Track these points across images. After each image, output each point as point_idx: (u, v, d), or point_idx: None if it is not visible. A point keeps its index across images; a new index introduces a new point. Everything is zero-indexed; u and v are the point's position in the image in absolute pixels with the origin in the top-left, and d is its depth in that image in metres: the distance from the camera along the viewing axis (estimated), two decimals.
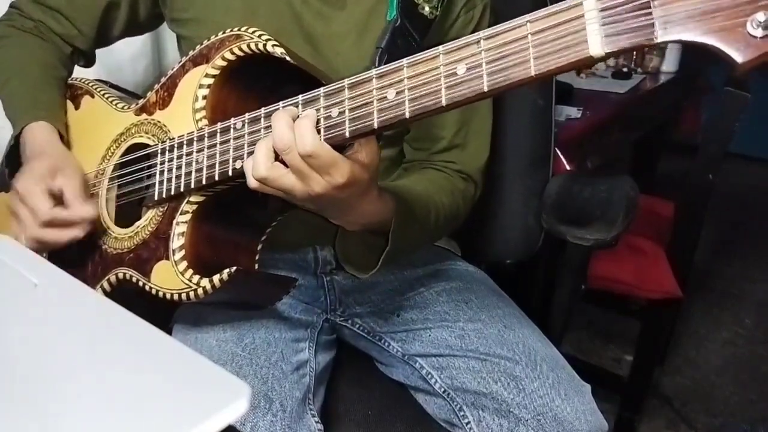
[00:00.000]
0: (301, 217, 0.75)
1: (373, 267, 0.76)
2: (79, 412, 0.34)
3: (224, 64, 0.73)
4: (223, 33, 0.74)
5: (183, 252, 0.72)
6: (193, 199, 0.74)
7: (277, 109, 0.64)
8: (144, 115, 0.82)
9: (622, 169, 2.32)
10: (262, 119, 0.66)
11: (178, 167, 0.74)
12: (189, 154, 0.73)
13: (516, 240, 1.15)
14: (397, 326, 0.91)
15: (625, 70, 1.98)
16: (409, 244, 0.80)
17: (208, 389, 0.35)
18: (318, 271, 0.94)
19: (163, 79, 0.80)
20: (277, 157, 0.62)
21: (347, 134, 0.59)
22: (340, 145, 0.62)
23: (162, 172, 0.76)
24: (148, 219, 0.77)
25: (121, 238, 0.80)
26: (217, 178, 0.69)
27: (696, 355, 2.02)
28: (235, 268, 0.68)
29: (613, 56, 0.50)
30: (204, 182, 0.70)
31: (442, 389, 0.85)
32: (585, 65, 0.54)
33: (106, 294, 0.80)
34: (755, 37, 0.45)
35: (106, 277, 0.79)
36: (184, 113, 0.75)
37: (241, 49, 0.72)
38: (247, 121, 0.67)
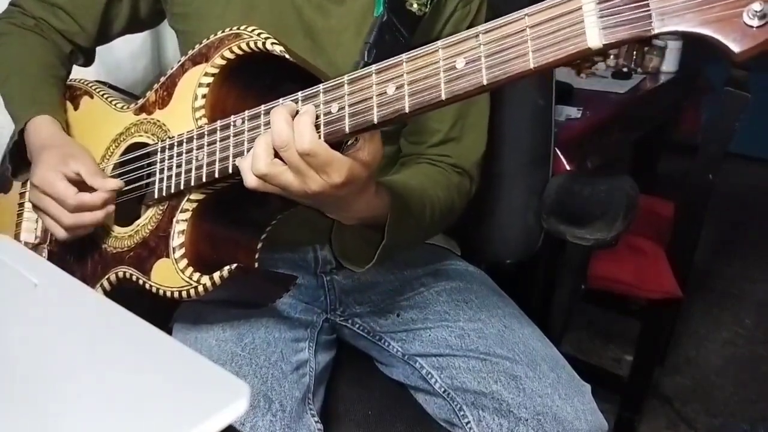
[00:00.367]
0: (301, 216, 0.75)
1: (369, 260, 0.76)
2: (79, 412, 0.34)
3: (223, 62, 0.73)
4: (222, 32, 0.74)
5: (183, 250, 0.72)
6: (193, 197, 0.74)
7: (277, 105, 0.64)
8: (143, 115, 0.82)
9: (622, 169, 2.32)
10: (262, 116, 0.66)
11: (178, 165, 0.74)
12: (189, 151, 0.73)
13: (516, 240, 1.15)
14: (397, 326, 0.91)
15: (625, 70, 1.98)
16: (405, 238, 0.81)
17: (208, 389, 0.35)
18: (318, 270, 0.94)
19: (162, 79, 0.81)
20: (276, 154, 0.62)
21: (347, 129, 0.60)
22: (343, 141, 0.62)
23: (162, 170, 0.76)
24: (148, 217, 0.77)
25: (121, 237, 0.80)
26: (217, 175, 0.69)
27: (696, 355, 2.02)
28: (235, 265, 0.68)
29: (612, 48, 0.50)
30: (204, 179, 0.70)
31: (442, 389, 0.85)
32: (583, 57, 0.54)
33: (106, 293, 0.80)
34: (751, 26, 0.45)
35: (106, 276, 0.80)
36: (183, 112, 0.75)
37: (240, 48, 0.72)
38: (246, 118, 0.67)
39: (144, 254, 0.76)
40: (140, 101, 0.83)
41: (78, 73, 0.97)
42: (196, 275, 0.70)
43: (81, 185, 0.76)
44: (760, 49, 0.45)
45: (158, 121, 0.80)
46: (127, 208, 0.81)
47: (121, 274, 0.78)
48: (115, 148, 0.84)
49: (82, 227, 0.77)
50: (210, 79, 0.74)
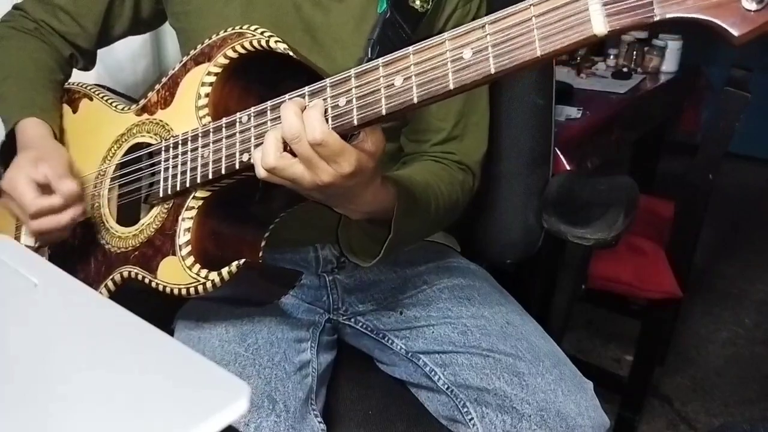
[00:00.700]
0: (301, 216, 0.75)
1: (375, 255, 0.76)
2: (79, 412, 0.34)
3: (226, 61, 0.73)
4: (225, 31, 0.74)
5: (190, 247, 0.72)
6: (198, 194, 0.74)
7: (284, 101, 0.65)
8: (145, 115, 0.82)
9: (622, 169, 2.32)
10: (269, 112, 0.66)
11: (183, 163, 0.74)
12: (194, 149, 0.73)
13: (516, 240, 1.14)
14: (400, 324, 0.91)
15: (625, 70, 1.98)
16: (411, 232, 0.81)
17: (208, 389, 0.35)
18: (319, 270, 0.94)
19: (164, 79, 0.80)
20: (285, 147, 0.62)
21: (355, 122, 0.60)
22: (346, 135, 0.62)
23: (167, 169, 0.76)
24: (153, 216, 0.77)
25: (125, 236, 0.80)
26: (223, 171, 0.69)
27: (696, 355, 2.02)
28: (243, 260, 0.68)
29: (616, 34, 0.51)
30: (210, 176, 0.71)
31: (446, 386, 0.85)
32: (589, 44, 0.57)
33: (111, 293, 0.80)
34: (750, 10, 0.46)
35: (111, 276, 0.79)
36: (186, 112, 0.75)
37: (243, 47, 0.72)
38: (252, 114, 0.67)
39: (150, 253, 0.76)
40: (141, 102, 0.83)
41: (78, 77, 0.97)
42: (204, 272, 0.70)
43: (49, 190, 0.75)
44: (759, 32, 0.46)
45: (161, 120, 0.80)
46: (129, 208, 0.81)
47: (126, 274, 0.78)
48: (117, 149, 0.84)
49: (47, 232, 0.76)
50: (213, 78, 0.74)
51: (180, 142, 0.75)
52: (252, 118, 0.67)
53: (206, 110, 0.74)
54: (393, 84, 0.58)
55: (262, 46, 0.70)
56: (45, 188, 0.74)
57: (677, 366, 1.95)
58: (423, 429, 0.88)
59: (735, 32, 0.47)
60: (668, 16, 0.48)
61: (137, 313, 0.41)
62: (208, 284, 0.69)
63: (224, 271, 0.68)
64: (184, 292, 0.71)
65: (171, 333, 0.89)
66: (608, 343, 2.04)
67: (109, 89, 0.95)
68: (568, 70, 1.97)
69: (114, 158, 0.84)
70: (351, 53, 0.81)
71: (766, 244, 2.70)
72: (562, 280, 1.25)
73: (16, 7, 0.94)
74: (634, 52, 2.04)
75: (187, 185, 0.73)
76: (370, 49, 0.77)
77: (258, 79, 0.74)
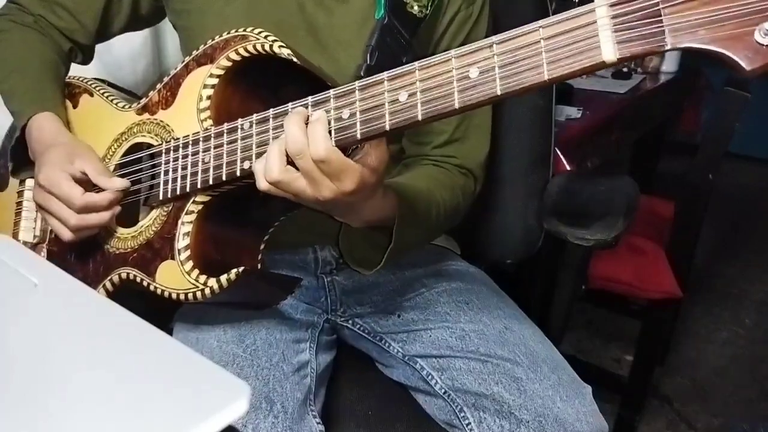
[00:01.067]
0: (301, 218, 0.75)
1: (376, 263, 0.76)
2: (79, 412, 0.34)
3: (229, 64, 0.73)
4: (228, 33, 0.74)
5: (189, 252, 0.72)
6: (198, 199, 0.74)
7: (286, 110, 0.64)
8: (146, 115, 0.81)
9: (622, 169, 2.32)
10: (271, 120, 0.66)
11: (184, 167, 0.73)
12: (195, 153, 0.73)
13: (516, 240, 1.14)
14: (398, 327, 0.91)
15: (625, 70, 1.97)
16: (412, 240, 0.81)
17: (208, 389, 0.35)
18: (318, 271, 0.94)
19: (165, 79, 0.80)
20: (288, 160, 0.62)
21: (358, 136, 0.60)
22: (348, 147, 0.62)
23: (167, 172, 0.75)
24: (152, 219, 0.77)
25: (124, 237, 0.80)
26: (224, 178, 0.69)
27: (696, 355, 2.02)
28: (242, 268, 0.68)
29: (625, 62, 0.51)
30: (211, 182, 0.70)
31: (443, 390, 0.85)
32: (597, 70, 0.56)
33: (109, 294, 0.80)
34: (762, 45, 0.46)
35: (109, 277, 0.79)
36: (188, 113, 0.75)
37: (246, 50, 0.72)
38: (255, 121, 0.67)
39: (148, 256, 0.76)
40: (143, 101, 0.83)
41: (77, 71, 0.96)
42: (203, 278, 0.70)
43: (86, 184, 0.76)
44: None
45: (162, 121, 0.79)
46: (129, 208, 0.81)
47: (124, 275, 0.78)
48: (117, 148, 0.83)
49: (87, 228, 0.77)
50: (215, 81, 0.74)
51: (181, 144, 0.75)
52: (254, 125, 0.67)
53: (208, 113, 0.73)
54: (397, 99, 0.57)
55: (265, 50, 0.70)
56: (82, 183, 0.76)
57: (677, 366, 1.95)
58: (422, 430, 0.88)
59: (746, 66, 0.46)
60: (680, 45, 0.48)
61: (137, 313, 0.41)
62: (207, 291, 0.69)
63: (223, 278, 0.68)
64: (182, 297, 0.71)
65: (169, 333, 0.89)
66: (608, 343, 2.04)
67: (109, 84, 0.95)
68: None
69: (114, 157, 0.83)
70: (354, 54, 0.81)
71: (766, 244, 2.70)
72: (562, 280, 1.25)
73: (12, 1, 0.93)
74: None
75: (188, 190, 0.73)
76: (368, 55, 0.77)
77: (260, 83, 0.74)
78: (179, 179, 0.74)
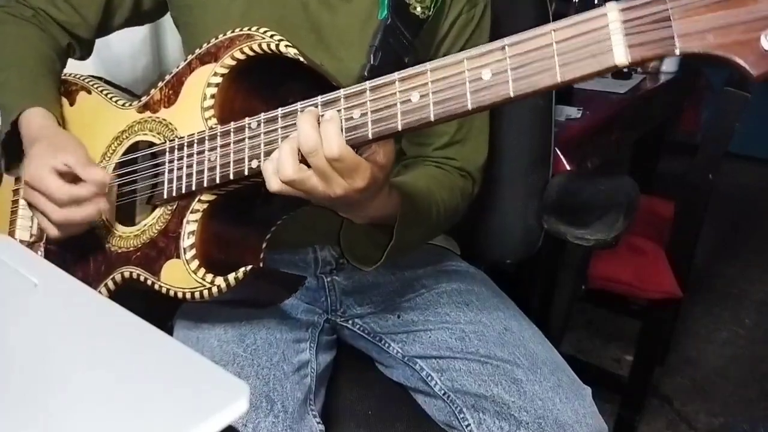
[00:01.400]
0: (301, 218, 0.75)
1: (376, 260, 0.76)
2: (79, 412, 0.34)
3: (233, 63, 0.73)
4: (233, 32, 0.74)
5: (194, 251, 0.72)
6: (204, 197, 0.73)
7: (295, 109, 0.64)
8: (148, 113, 0.81)
9: (622, 169, 2.32)
10: (279, 119, 0.66)
11: (189, 166, 0.73)
12: (200, 152, 0.72)
13: (516, 240, 1.14)
14: (398, 327, 0.91)
15: (625, 70, 1.97)
16: (412, 239, 0.81)
17: (208, 389, 0.35)
18: (318, 271, 0.94)
19: (167, 77, 0.80)
20: (300, 158, 0.62)
21: (370, 135, 0.60)
22: (359, 147, 0.62)
23: (171, 171, 0.75)
24: (156, 217, 0.77)
25: (126, 236, 0.79)
26: (231, 177, 0.69)
27: (696, 355, 2.02)
28: (250, 266, 0.68)
29: (636, 65, 0.52)
30: (218, 181, 0.70)
31: (442, 391, 0.85)
32: (608, 72, 0.58)
33: (110, 293, 0.79)
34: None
35: (111, 276, 0.79)
36: (191, 111, 0.75)
37: (252, 49, 0.71)
38: (263, 121, 0.67)
39: (152, 254, 0.76)
40: (144, 99, 0.82)
41: (76, 68, 0.95)
42: (209, 276, 0.70)
43: (72, 178, 0.74)
44: None
45: (164, 119, 0.79)
46: (127, 207, 0.81)
47: (127, 274, 0.77)
48: (118, 146, 0.83)
49: (73, 224, 0.75)
50: (219, 79, 0.74)
51: (186, 143, 0.74)
52: (262, 125, 0.67)
53: (212, 111, 0.73)
54: (409, 100, 0.58)
55: (271, 49, 0.70)
56: (67, 177, 0.74)
57: (677, 366, 1.95)
58: (422, 431, 0.88)
59: (753, 72, 0.48)
60: (688, 50, 0.49)
61: (137, 312, 0.41)
62: (214, 289, 0.69)
63: (231, 276, 0.68)
64: (188, 296, 0.71)
65: (169, 332, 0.89)
66: (608, 343, 2.04)
67: (106, 81, 0.94)
68: None
69: (114, 155, 0.83)
70: (356, 54, 0.81)
71: (766, 244, 2.70)
72: (562, 280, 1.25)
73: None
74: None
75: (193, 188, 0.72)
76: (372, 55, 0.77)
77: (263, 82, 0.73)
78: (185, 178, 0.73)
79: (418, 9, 0.81)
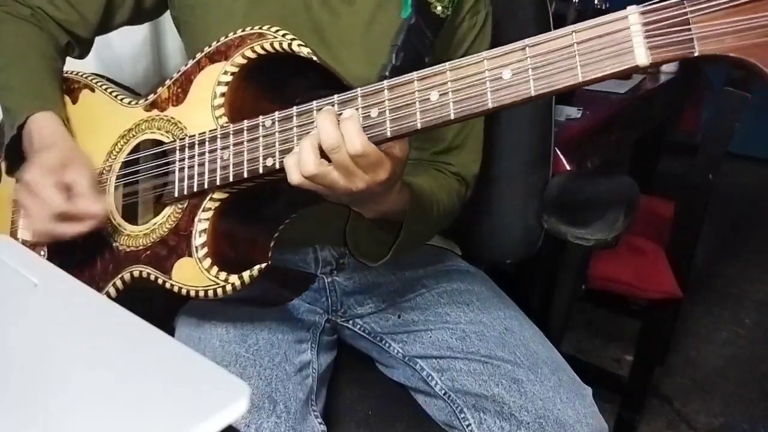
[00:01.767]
0: (302, 217, 0.75)
1: (382, 257, 0.77)
2: (79, 412, 0.34)
3: (244, 62, 0.73)
4: (243, 30, 0.73)
5: (206, 249, 0.71)
6: (216, 195, 0.73)
7: (310, 108, 0.65)
8: (155, 111, 0.80)
9: (622, 169, 2.32)
10: (294, 118, 0.66)
11: (201, 164, 0.73)
12: (213, 151, 0.72)
13: (516, 240, 1.14)
14: (398, 327, 0.91)
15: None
16: (416, 237, 0.81)
17: (208, 389, 0.35)
18: (318, 271, 0.94)
19: (175, 75, 0.79)
20: (321, 154, 0.62)
21: (389, 134, 0.61)
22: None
23: (183, 169, 0.75)
24: (166, 216, 0.76)
25: (134, 235, 0.78)
26: (246, 175, 0.69)
27: (696, 355, 2.02)
28: (265, 264, 0.68)
29: (657, 66, 0.53)
30: (231, 179, 0.70)
31: (443, 391, 0.85)
32: (629, 73, 0.60)
33: (119, 292, 0.78)
34: None
35: (119, 275, 0.78)
36: (201, 110, 0.75)
37: (263, 48, 0.71)
38: (277, 119, 0.67)
39: (163, 253, 0.75)
40: (150, 97, 0.82)
41: (76, 66, 0.94)
42: (223, 274, 0.69)
43: (69, 193, 0.74)
44: None
45: (173, 118, 0.78)
46: (133, 206, 0.80)
47: (136, 273, 0.76)
48: (124, 145, 0.82)
49: (53, 237, 0.75)
50: (230, 78, 0.73)
51: (197, 142, 0.74)
52: (276, 123, 0.67)
53: (222, 110, 0.73)
54: (429, 99, 0.59)
55: (283, 48, 0.70)
56: (67, 192, 0.74)
57: (677, 366, 1.95)
58: (423, 431, 0.88)
59: None
60: (707, 53, 0.51)
61: (137, 313, 0.41)
62: (228, 287, 0.69)
63: (246, 274, 0.68)
64: (201, 294, 0.70)
65: (171, 333, 0.89)
66: (608, 343, 2.03)
67: (108, 79, 0.93)
68: None
69: (120, 154, 0.82)
70: (356, 55, 0.81)
71: (766, 244, 2.70)
72: (562, 280, 1.25)
73: None
74: None
75: (206, 187, 0.72)
76: (394, 55, 0.77)
77: (273, 80, 0.73)
78: (197, 176, 0.73)
79: (439, 8, 0.81)
